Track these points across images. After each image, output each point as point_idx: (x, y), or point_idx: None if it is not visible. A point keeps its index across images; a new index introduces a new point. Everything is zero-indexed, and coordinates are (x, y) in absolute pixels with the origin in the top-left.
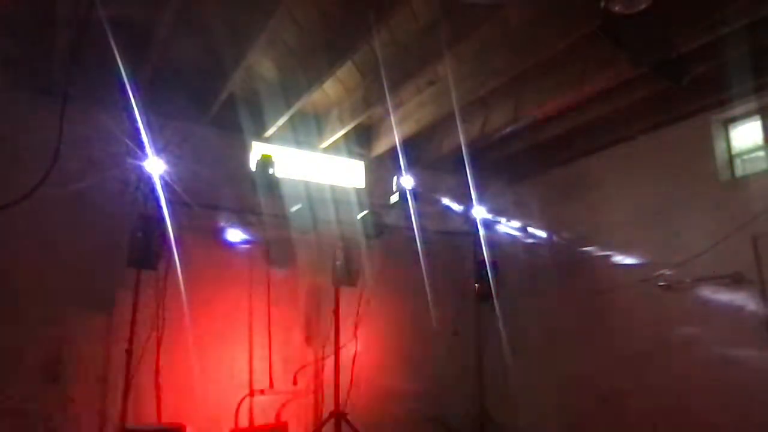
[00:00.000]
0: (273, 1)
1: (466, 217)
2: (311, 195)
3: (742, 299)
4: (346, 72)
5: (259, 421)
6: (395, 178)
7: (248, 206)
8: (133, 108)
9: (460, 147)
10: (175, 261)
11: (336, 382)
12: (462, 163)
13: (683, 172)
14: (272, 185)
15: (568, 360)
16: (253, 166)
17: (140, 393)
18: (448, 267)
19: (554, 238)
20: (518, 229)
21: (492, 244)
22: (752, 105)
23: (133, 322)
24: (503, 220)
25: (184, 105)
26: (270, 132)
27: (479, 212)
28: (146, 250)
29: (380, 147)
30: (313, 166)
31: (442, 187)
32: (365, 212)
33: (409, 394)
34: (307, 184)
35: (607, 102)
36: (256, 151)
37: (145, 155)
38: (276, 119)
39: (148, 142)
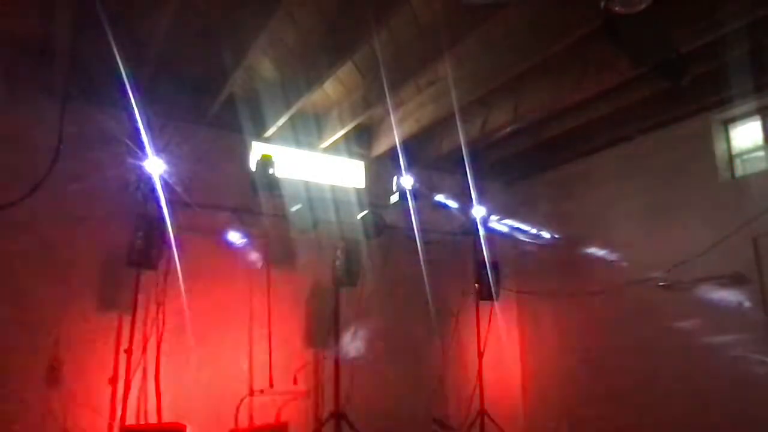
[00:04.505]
0: (273, 1)
1: (466, 217)
2: (311, 195)
3: (742, 299)
4: (346, 72)
5: (259, 421)
6: (395, 178)
7: (248, 206)
8: (133, 108)
9: (460, 147)
10: (175, 261)
11: (336, 382)
12: (462, 163)
13: (683, 172)
14: (272, 185)
15: (568, 360)
16: (253, 166)
17: (140, 393)
18: (448, 267)
19: (554, 237)
20: (518, 229)
21: (492, 244)
22: (752, 105)
23: (133, 322)
24: (503, 220)
25: (184, 105)
26: (270, 132)
27: (479, 212)
28: (146, 250)
29: (380, 147)
30: (313, 166)
31: (442, 187)
32: (365, 212)
33: (409, 394)
34: (307, 184)
35: (607, 102)
36: (256, 151)
37: (145, 155)
38: (276, 119)
39: (148, 142)
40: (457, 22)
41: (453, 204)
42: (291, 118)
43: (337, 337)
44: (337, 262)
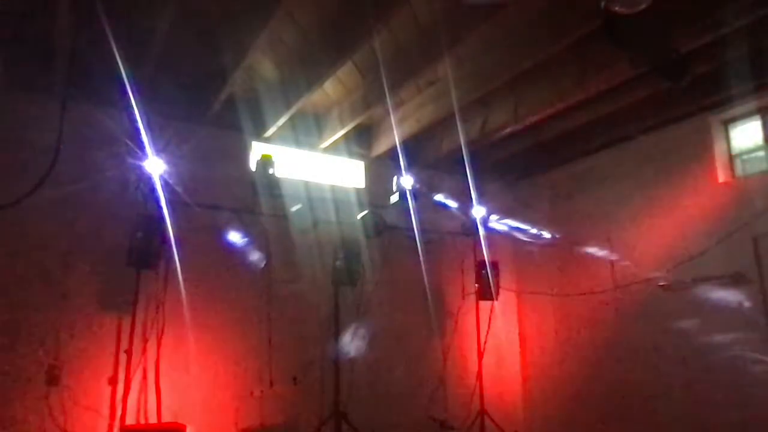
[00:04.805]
0: (273, 1)
1: (466, 217)
2: (311, 195)
3: (742, 299)
4: (346, 72)
5: (259, 421)
6: (395, 178)
7: (248, 206)
8: (133, 108)
9: (460, 147)
10: (175, 261)
11: (336, 383)
12: (462, 163)
13: (683, 172)
14: (272, 185)
15: (568, 360)
16: (253, 166)
17: (140, 393)
18: (448, 267)
19: (554, 237)
20: (518, 229)
21: (492, 244)
22: (752, 105)
23: (133, 323)
24: (503, 220)
25: (184, 105)
26: (270, 132)
27: (479, 212)
28: (146, 250)
29: (380, 147)
30: (313, 166)
31: (442, 187)
32: (365, 212)
33: (409, 394)
34: (307, 184)
35: (607, 102)
36: (256, 151)
37: (145, 155)
38: (276, 119)
39: (148, 142)
40: (457, 22)
41: (453, 204)
42: (291, 118)
43: (337, 337)
44: (337, 262)
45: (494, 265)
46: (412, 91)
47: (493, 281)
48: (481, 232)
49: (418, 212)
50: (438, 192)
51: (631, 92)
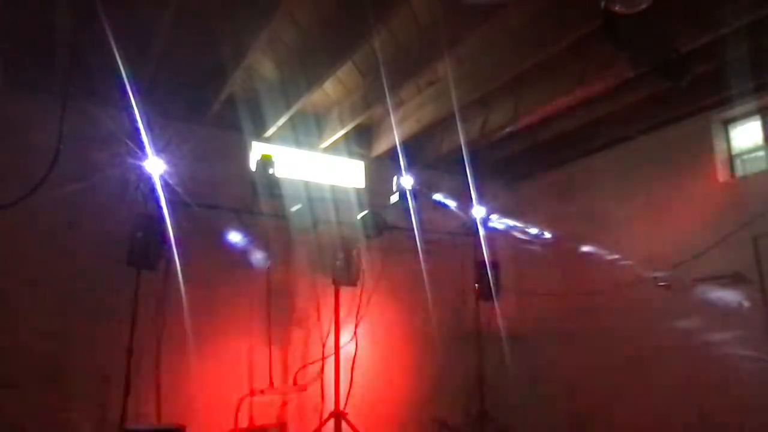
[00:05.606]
0: (273, 1)
1: (466, 217)
2: (311, 195)
3: (742, 299)
4: (346, 72)
5: (259, 421)
6: (395, 178)
7: (248, 206)
8: (133, 108)
9: (460, 147)
10: (175, 261)
11: (336, 382)
12: (462, 163)
13: (683, 172)
14: (272, 185)
15: (568, 360)
16: (253, 166)
17: (140, 393)
18: (448, 267)
19: (554, 237)
20: (518, 229)
21: (492, 244)
22: (752, 105)
23: (133, 322)
24: (503, 219)
25: (184, 105)
26: (270, 132)
27: (479, 212)
28: (146, 250)
29: (380, 147)
30: (313, 166)
31: (442, 187)
32: (365, 212)
33: (408, 394)
34: (307, 184)
35: (607, 102)
36: (256, 151)
37: (145, 155)
38: (276, 119)
39: (148, 142)
40: (457, 22)
41: (453, 204)
42: (291, 118)
43: (336, 337)
44: (337, 262)
45: (494, 265)
46: (412, 91)
47: (493, 281)
48: (481, 232)
49: (418, 212)
50: (438, 192)
51: (631, 92)
